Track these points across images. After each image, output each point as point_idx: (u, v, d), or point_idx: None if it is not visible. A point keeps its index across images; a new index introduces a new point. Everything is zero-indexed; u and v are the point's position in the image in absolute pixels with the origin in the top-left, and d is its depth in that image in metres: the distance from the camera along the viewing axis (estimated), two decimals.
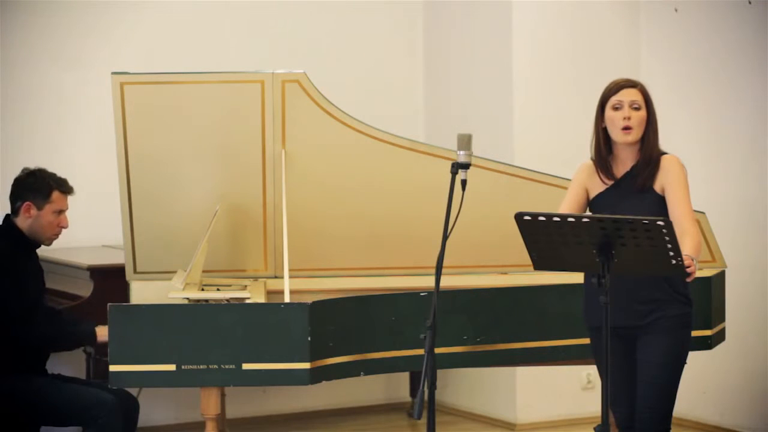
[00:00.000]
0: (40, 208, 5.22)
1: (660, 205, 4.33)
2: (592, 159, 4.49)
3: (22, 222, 5.23)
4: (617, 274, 3.93)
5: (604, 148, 4.43)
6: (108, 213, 6.33)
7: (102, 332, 5.12)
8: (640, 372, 4.33)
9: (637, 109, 4.37)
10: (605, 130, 4.42)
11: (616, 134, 4.38)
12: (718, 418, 6.77)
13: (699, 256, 4.23)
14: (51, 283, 5.56)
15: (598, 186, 4.45)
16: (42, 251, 5.39)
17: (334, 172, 5.45)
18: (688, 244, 4.14)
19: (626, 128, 4.36)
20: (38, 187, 5.24)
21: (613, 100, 4.39)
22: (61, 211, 5.26)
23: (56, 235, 5.30)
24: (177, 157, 5.37)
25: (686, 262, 3.92)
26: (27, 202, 5.22)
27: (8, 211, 5.28)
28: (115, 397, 5.08)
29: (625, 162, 4.42)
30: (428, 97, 7.63)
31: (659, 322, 4.30)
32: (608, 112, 4.39)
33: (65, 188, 5.29)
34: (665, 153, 4.41)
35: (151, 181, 5.36)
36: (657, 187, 4.35)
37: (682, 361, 4.36)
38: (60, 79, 6.78)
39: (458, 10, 7.37)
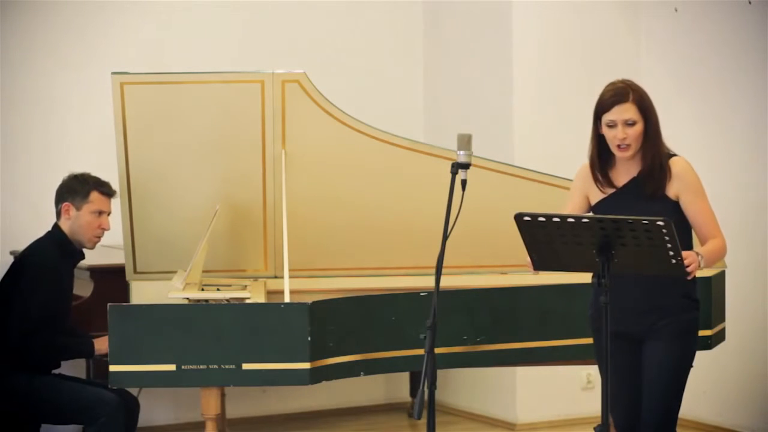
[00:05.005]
0: (78, 208, 5.27)
1: (675, 211, 4.18)
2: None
3: (64, 224, 5.29)
4: (617, 274, 3.91)
5: (598, 158, 4.29)
6: None
7: (101, 345, 5.14)
8: (647, 376, 4.25)
9: (632, 124, 4.19)
10: (601, 137, 4.25)
11: (614, 150, 4.23)
12: (718, 418, 6.76)
13: (714, 259, 4.14)
14: None
15: (597, 193, 4.33)
16: None
17: (334, 172, 5.45)
18: (706, 246, 4.13)
19: (621, 147, 4.20)
20: (77, 188, 5.29)
21: (606, 118, 4.21)
22: (101, 213, 5.29)
23: (97, 238, 5.33)
24: (177, 157, 5.38)
25: (687, 260, 3.87)
26: (66, 203, 5.28)
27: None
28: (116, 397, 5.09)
29: (629, 169, 4.27)
30: (428, 97, 7.63)
31: (667, 327, 4.21)
32: (603, 128, 4.24)
33: (105, 189, 5.33)
34: (673, 155, 4.27)
35: (151, 181, 5.36)
36: (671, 194, 4.22)
37: (688, 366, 4.29)
38: (60, 79, 6.77)
39: (458, 10, 7.37)
